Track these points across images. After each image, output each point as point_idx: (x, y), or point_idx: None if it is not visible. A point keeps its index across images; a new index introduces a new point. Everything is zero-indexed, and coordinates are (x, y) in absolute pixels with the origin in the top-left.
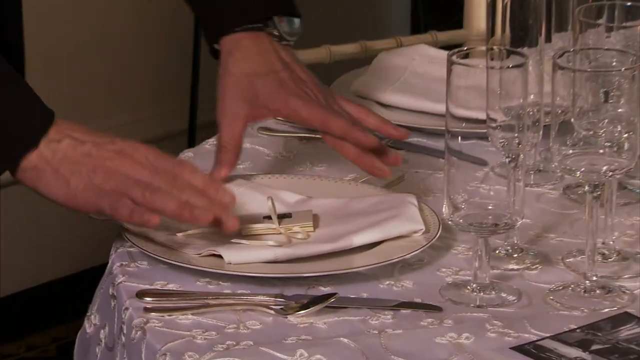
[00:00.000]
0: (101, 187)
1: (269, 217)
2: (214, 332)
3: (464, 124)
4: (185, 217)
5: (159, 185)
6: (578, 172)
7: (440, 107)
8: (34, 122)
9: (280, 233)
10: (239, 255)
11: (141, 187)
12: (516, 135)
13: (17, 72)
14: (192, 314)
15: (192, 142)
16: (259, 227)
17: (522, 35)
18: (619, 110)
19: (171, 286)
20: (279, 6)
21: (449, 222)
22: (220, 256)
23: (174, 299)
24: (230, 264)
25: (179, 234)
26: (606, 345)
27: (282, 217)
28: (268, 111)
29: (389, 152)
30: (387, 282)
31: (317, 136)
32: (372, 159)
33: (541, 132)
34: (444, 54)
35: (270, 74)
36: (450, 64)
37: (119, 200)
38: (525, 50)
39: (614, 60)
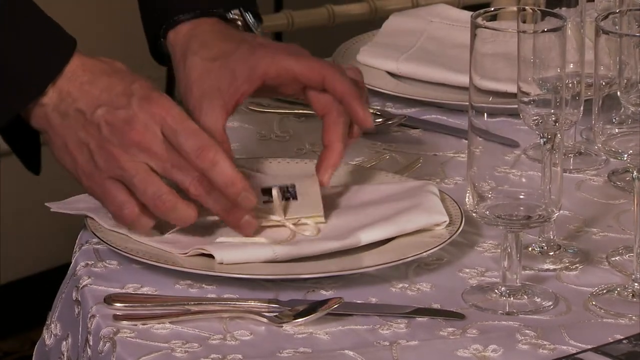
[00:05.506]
0: (102, 176)
1: (268, 193)
2: (196, 344)
3: (490, 99)
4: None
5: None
6: (625, 155)
7: (463, 79)
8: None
9: (283, 225)
10: (232, 254)
11: (144, 183)
12: (552, 111)
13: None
14: (171, 323)
15: None
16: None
17: None
18: None
19: (146, 290)
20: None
21: (473, 214)
22: (205, 255)
23: (148, 304)
24: (222, 263)
25: (167, 234)
26: None
27: (285, 191)
28: (250, 84)
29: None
30: (400, 285)
31: None
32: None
33: (582, 108)
34: (467, 15)
35: (240, 45)
36: (474, 27)
37: (121, 206)
38: (563, 11)
39: None
